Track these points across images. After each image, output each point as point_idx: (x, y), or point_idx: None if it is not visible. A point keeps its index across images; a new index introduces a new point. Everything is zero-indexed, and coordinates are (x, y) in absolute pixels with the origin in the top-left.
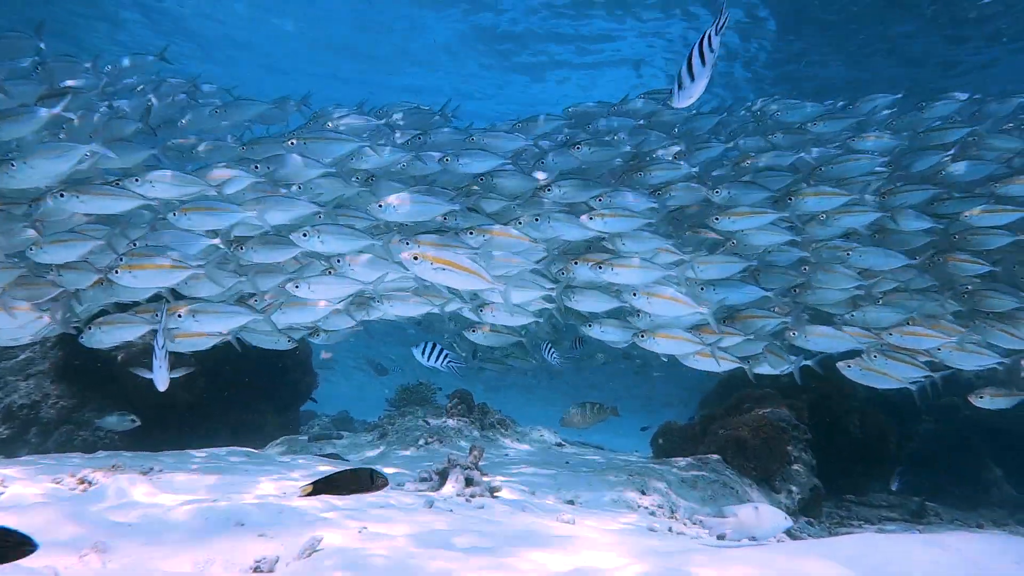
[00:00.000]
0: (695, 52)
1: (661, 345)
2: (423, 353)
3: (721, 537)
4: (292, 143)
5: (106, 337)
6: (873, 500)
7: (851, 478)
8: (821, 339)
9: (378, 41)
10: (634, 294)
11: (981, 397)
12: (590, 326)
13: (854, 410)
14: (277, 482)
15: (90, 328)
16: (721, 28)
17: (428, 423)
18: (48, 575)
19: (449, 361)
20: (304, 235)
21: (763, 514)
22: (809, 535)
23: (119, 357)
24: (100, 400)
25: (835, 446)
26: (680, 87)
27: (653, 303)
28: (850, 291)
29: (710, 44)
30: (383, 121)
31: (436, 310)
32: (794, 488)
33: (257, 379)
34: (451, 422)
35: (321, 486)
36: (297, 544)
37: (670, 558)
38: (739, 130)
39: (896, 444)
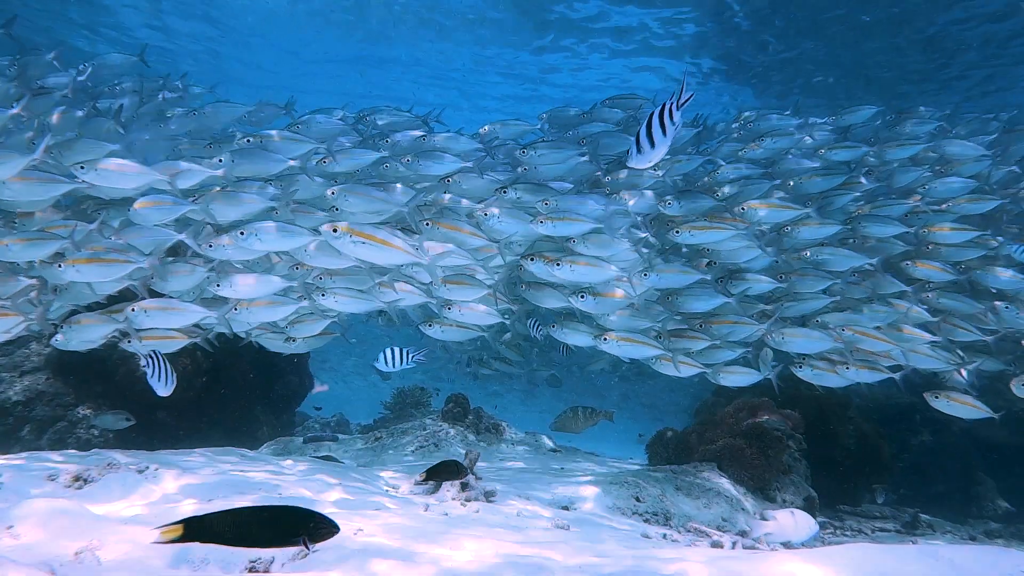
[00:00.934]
0: (655, 120)
1: (623, 349)
2: (386, 362)
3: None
4: (248, 141)
5: (77, 337)
6: (867, 510)
7: (846, 488)
8: (798, 340)
9: None
10: (581, 296)
11: (936, 397)
12: (553, 327)
13: (850, 420)
14: (274, 482)
15: (62, 328)
16: (683, 104)
17: (424, 427)
18: (45, 573)
19: (414, 355)
20: (241, 234)
21: (799, 519)
22: (803, 544)
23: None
24: (95, 398)
25: (830, 456)
26: (639, 151)
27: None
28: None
29: (670, 116)
30: (352, 124)
31: (384, 306)
32: (788, 497)
33: (252, 381)
34: (446, 426)
35: (432, 473)
36: (292, 548)
37: (666, 564)
38: (718, 144)
39: (891, 455)
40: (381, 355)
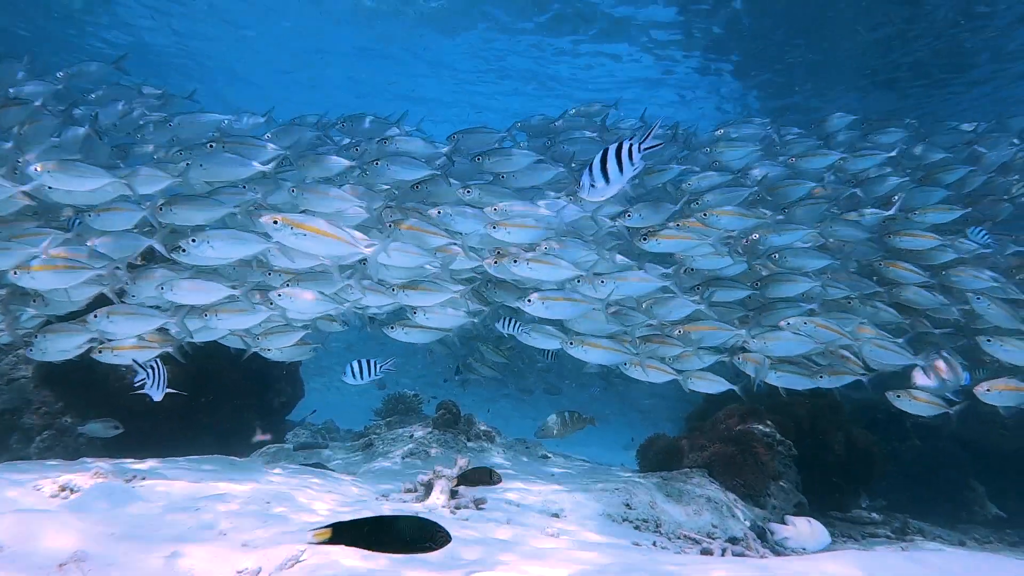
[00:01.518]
0: (611, 154)
1: (590, 354)
2: (353, 375)
3: (781, 544)
4: (211, 146)
5: (52, 347)
6: (857, 516)
7: (836, 494)
8: (779, 343)
9: None
10: (528, 300)
11: (899, 396)
12: (517, 330)
13: (840, 426)
14: (263, 491)
15: (36, 339)
16: (647, 149)
17: (414, 433)
18: None
19: (382, 366)
20: (193, 241)
21: (814, 528)
22: (792, 551)
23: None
24: (83, 406)
25: (820, 462)
26: (593, 185)
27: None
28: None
29: (629, 156)
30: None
31: (334, 310)
32: (778, 503)
33: (243, 388)
34: (437, 433)
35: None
36: (279, 555)
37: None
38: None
39: (881, 461)
40: (348, 368)
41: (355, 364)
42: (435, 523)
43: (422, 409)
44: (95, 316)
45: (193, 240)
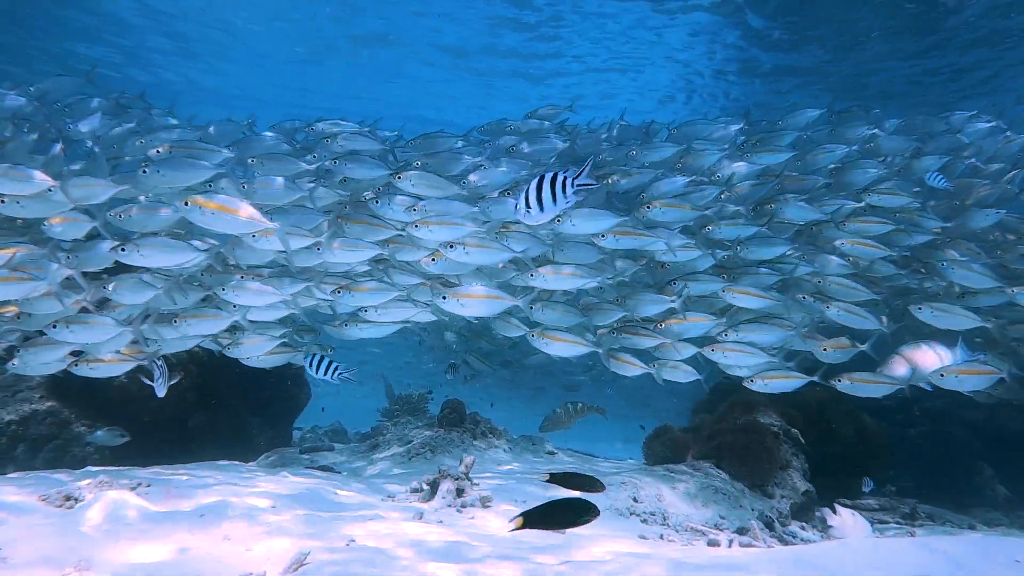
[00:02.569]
0: (545, 183)
1: (552, 347)
2: (312, 366)
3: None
4: (157, 152)
5: (34, 360)
6: (866, 503)
7: (844, 482)
8: (754, 334)
9: None
10: (443, 297)
11: (840, 381)
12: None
13: (848, 414)
14: (264, 496)
15: (18, 353)
16: (581, 186)
17: (420, 433)
18: None
19: (340, 373)
20: (122, 250)
21: (857, 521)
22: (802, 540)
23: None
24: (90, 416)
25: (828, 450)
26: (528, 209)
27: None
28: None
29: (563, 188)
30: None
31: (296, 310)
32: (787, 492)
33: (249, 392)
34: (442, 432)
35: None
36: (284, 558)
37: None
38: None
39: (889, 448)
40: (309, 358)
41: (317, 358)
42: (589, 501)
43: (428, 409)
44: (53, 326)
45: (122, 248)
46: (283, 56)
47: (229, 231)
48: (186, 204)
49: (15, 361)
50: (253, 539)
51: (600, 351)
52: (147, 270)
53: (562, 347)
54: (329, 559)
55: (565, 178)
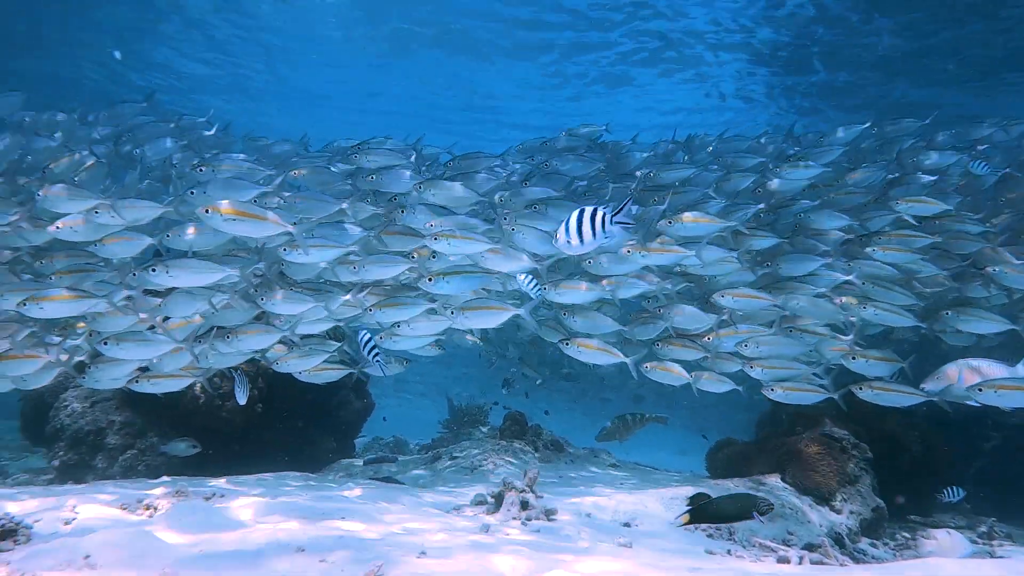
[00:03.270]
0: (587, 217)
1: (584, 354)
2: (361, 342)
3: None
4: (201, 170)
5: (103, 376)
6: (939, 520)
7: (914, 497)
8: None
9: None
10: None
11: (860, 389)
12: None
13: (915, 427)
14: (336, 506)
15: (89, 369)
16: (619, 224)
17: (482, 445)
18: None
19: (376, 357)
20: (153, 270)
21: (955, 538)
22: (873, 557)
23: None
24: (162, 426)
25: (896, 465)
26: (568, 240)
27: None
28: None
29: (603, 224)
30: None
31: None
32: (855, 508)
33: (313, 404)
34: (504, 443)
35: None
36: (359, 570)
37: None
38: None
39: (961, 462)
40: (362, 335)
41: (367, 338)
42: (757, 495)
43: (488, 420)
44: (104, 343)
45: (153, 269)
46: (358, 59)
47: (249, 234)
48: (207, 212)
49: (85, 376)
50: (327, 549)
51: (629, 361)
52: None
53: (593, 355)
54: (399, 571)
55: (604, 214)
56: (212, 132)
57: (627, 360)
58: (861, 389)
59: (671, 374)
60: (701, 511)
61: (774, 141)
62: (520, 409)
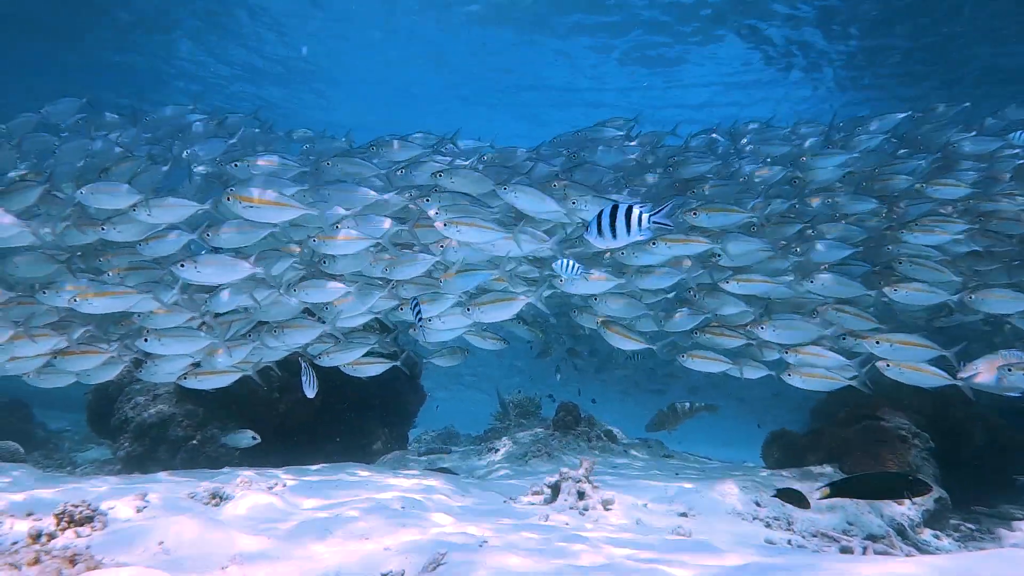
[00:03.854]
0: (620, 215)
1: (614, 339)
2: (411, 310)
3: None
4: (235, 165)
5: (159, 370)
6: (1006, 512)
7: (979, 488)
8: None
9: None
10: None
11: (889, 366)
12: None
13: (977, 415)
14: (397, 495)
15: (146, 363)
16: (657, 224)
17: (535, 436)
18: None
19: (420, 317)
20: (181, 266)
21: None
22: (938, 549)
23: None
24: (222, 418)
25: (959, 455)
26: (600, 233)
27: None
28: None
29: (640, 221)
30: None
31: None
32: (917, 499)
33: (367, 396)
34: (558, 434)
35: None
36: (422, 559)
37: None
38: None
39: None
40: (413, 303)
41: (416, 304)
42: (911, 474)
43: (540, 412)
44: (145, 340)
45: (182, 265)
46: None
47: (272, 220)
48: (228, 200)
49: (142, 370)
50: (389, 537)
51: (655, 347)
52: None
53: (621, 341)
54: (463, 559)
55: (642, 212)
56: (258, 129)
57: (653, 347)
58: (889, 367)
59: (708, 362)
60: (843, 486)
61: (813, 129)
62: (571, 401)
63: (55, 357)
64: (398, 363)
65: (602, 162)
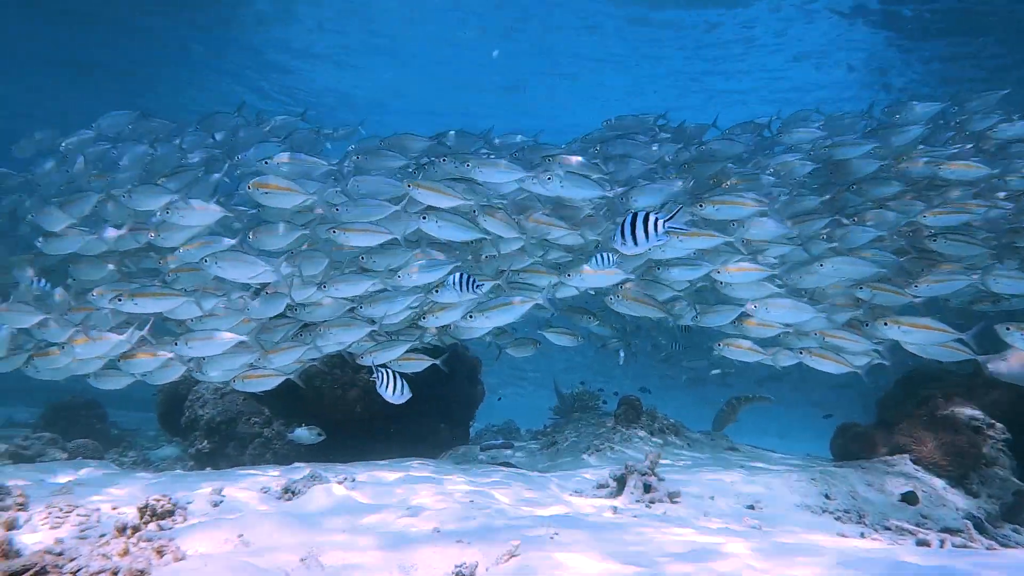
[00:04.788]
0: (639, 223)
1: (628, 307)
2: (455, 286)
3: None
4: (266, 163)
5: (212, 371)
6: None
7: None
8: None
9: None
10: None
11: (887, 324)
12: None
13: None
14: (463, 488)
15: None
16: (670, 229)
17: (596, 430)
18: None
19: (476, 284)
20: (205, 261)
21: None
22: (1018, 544)
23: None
24: (287, 415)
25: None
26: (623, 241)
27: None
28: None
29: (656, 227)
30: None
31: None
32: (993, 492)
33: (428, 392)
34: (620, 428)
35: None
36: (494, 551)
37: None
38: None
39: None
40: (450, 281)
41: (458, 278)
42: None
43: (600, 405)
44: (176, 343)
45: (205, 261)
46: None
47: (282, 205)
48: (249, 188)
49: (200, 372)
50: (459, 531)
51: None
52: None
53: (639, 308)
54: (536, 552)
55: (657, 219)
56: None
57: (667, 316)
58: (887, 325)
59: (744, 351)
60: None
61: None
62: (633, 394)
63: (118, 360)
64: (437, 362)
65: (634, 155)
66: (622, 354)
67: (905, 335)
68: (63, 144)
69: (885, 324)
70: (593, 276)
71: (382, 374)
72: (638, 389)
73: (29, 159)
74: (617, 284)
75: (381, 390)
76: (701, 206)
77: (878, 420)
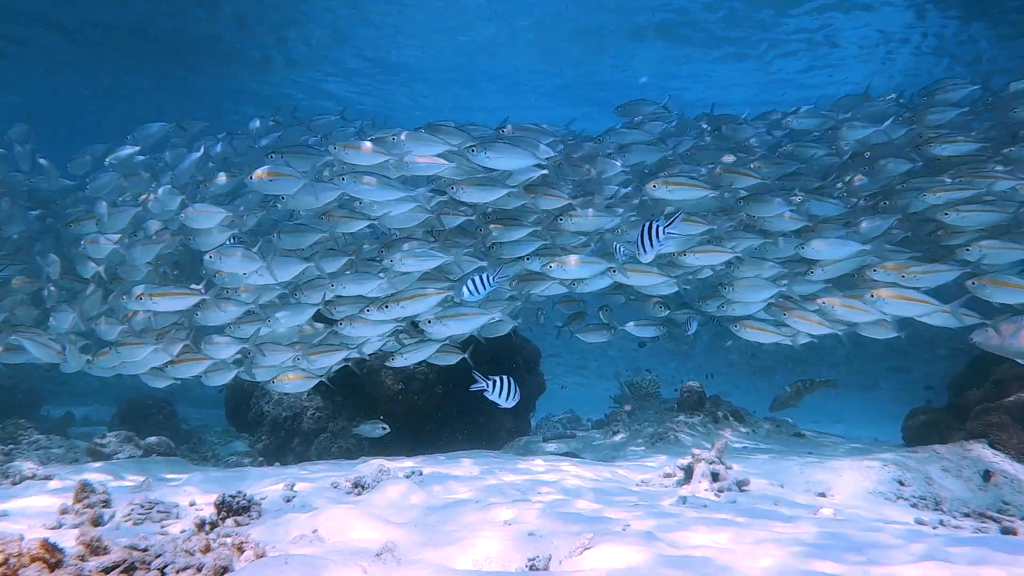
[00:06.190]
0: (645, 230)
1: (636, 278)
2: (472, 289)
3: None
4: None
5: (261, 372)
6: None
7: None
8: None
9: None
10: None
11: (873, 296)
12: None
13: None
14: (529, 479)
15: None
16: (670, 235)
17: (659, 418)
18: (357, 572)
19: (496, 278)
20: (210, 257)
21: None
22: None
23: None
24: (351, 410)
25: None
26: (643, 251)
27: None
28: None
29: (658, 234)
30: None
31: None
32: None
33: None
34: (683, 416)
35: None
36: (566, 543)
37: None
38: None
39: None
40: (467, 284)
41: (472, 281)
42: None
43: (660, 393)
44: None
45: (210, 256)
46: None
47: (285, 192)
48: (251, 179)
49: (249, 372)
50: (530, 522)
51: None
52: None
53: (640, 277)
54: (609, 543)
55: (657, 226)
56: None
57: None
58: (873, 297)
59: (762, 332)
60: None
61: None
62: (695, 381)
63: (169, 365)
64: (465, 355)
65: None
66: (695, 324)
67: (889, 307)
68: (107, 160)
69: (872, 296)
70: (576, 267)
71: (494, 381)
72: (704, 376)
73: (85, 174)
74: (600, 274)
75: (493, 397)
76: (654, 186)
77: (950, 403)
